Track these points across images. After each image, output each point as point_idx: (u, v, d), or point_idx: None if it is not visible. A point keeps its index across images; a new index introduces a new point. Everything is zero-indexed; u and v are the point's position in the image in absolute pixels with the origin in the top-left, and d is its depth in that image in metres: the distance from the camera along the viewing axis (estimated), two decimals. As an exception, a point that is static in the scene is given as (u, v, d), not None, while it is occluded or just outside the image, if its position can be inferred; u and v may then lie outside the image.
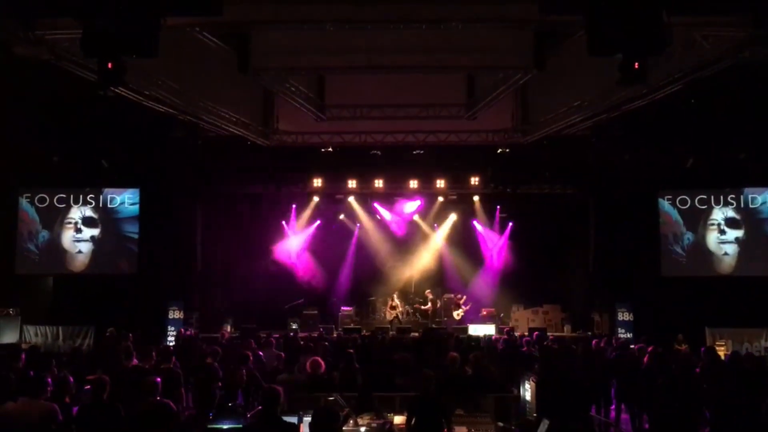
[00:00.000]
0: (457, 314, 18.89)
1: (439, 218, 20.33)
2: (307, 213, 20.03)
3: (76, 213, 18.18)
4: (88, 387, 7.60)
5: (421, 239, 20.40)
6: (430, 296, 19.53)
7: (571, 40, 11.59)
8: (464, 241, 20.22)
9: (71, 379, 7.04)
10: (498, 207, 19.83)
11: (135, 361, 9.13)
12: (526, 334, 16.17)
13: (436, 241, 20.35)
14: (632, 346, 12.57)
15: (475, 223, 20.22)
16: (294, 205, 19.95)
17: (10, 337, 15.98)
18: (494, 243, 20.04)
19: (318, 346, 11.10)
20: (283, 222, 20.02)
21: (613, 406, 10.74)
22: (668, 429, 7.70)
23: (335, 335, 15.87)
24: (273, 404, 5.50)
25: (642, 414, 9.60)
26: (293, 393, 7.85)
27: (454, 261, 20.10)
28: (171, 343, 15.99)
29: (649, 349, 10.48)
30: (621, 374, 10.25)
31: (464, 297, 19.12)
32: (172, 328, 17.36)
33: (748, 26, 9.64)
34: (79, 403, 6.85)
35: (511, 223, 19.74)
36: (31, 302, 17.49)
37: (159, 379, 6.82)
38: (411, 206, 20.07)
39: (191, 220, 19.00)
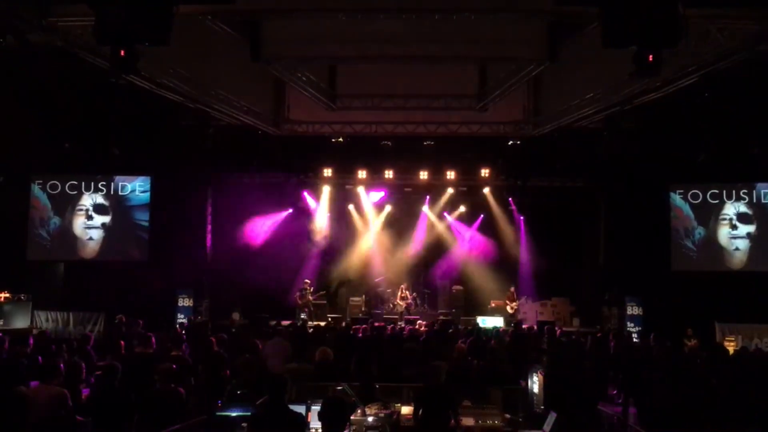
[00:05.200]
0: (511, 308, 18.46)
1: (449, 209, 20.29)
2: (317, 203, 20.05)
3: (88, 200, 18.28)
4: (99, 373, 7.67)
5: (431, 230, 20.37)
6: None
7: (585, 31, 11.51)
8: (474, 232, 20.16)
9: (83, 365, 7.09)
10: (510, 199, 19.75)
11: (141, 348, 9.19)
12: (534, 327, 16.21)
13: (446, 232, 20.32)
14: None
15: (484, 215, 20.17)
16: (304, 195, 19.96)
17: (22, 323, 16.12)
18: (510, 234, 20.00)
19: (326, 336, 11.14)
20: (293, 211, 20.05)
21: (620, 400, 10.74)
22: (673, 423, 7.70)
23: (344, 325, 15.90)
24: (280, 392, 5.51)
25: (649, 408, 9.58)
26: (301, 382, 7.88)
27: (464, 252, 20.06)
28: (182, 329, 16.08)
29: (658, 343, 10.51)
30: (628, 368, 10.23)
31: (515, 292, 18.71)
32: (182, 316, 17.49)
33: (764, 19, 9.54)
34: (90, 389, 6.91)
35: (522, 218, 19.70)
36: (43, 288, 17.62)
37: (174, 366, 6.88)
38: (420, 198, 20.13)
39: (201, 208, 19.08)
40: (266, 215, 19.68)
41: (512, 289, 18.71)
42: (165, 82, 13.09)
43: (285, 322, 15.23)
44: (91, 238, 18.25)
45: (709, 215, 17.84)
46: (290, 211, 20.05)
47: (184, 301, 17.81)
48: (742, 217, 17.64)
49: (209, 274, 18.96)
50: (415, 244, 20.28)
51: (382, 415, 7.04)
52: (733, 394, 7.99)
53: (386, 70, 15.90)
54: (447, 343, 11.15)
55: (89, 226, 18.25)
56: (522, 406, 8.16)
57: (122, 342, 10.06)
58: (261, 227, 19.54)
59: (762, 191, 17.58)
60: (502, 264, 19.63)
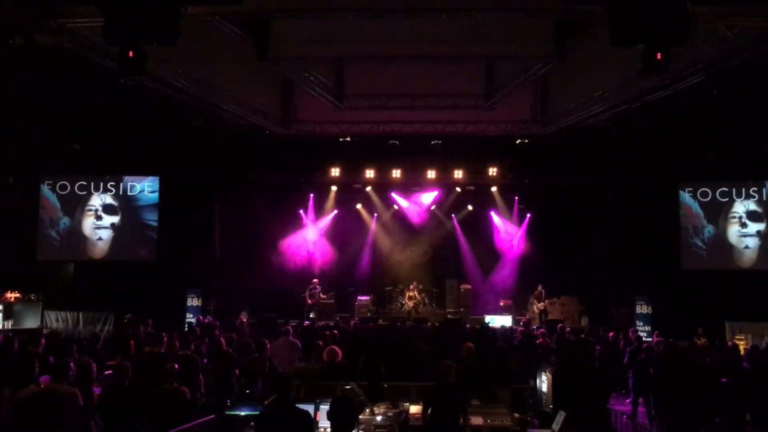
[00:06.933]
0: (538, 307, 18.02)
1: (457, 208, 20.27)
2: (325, 202, 20.08)
3: (97, 200, 18.34)
4: (109, 372, 7.70)
5: (438, 229, 20.36)
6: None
7: (593, 29, 11.50)
8: (482, 231, 20.15)
9: (93, 365, 7.12)
10: (516, 198, 19.73)
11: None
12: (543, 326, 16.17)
13: (454, 231, 20.30)
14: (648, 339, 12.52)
15: (493, 213, 20.11)
16: (312, 195, 20.02)
17: (32, 323, 16.21)
18: (512, 234, 19.93)
19: (331, 335, 11.14)
20: (301, 211, 20.09)
21: (629, 399, 10.73)
22: (683, 422, 7.68)
23: (352, 324, 15.92)
24: (286, 391, 5.51)
25: (657, 406, 9.55)
26: (310, 381, 7.89)
27: (471, 251, 20.04)
28: (190, 329, 16.14)
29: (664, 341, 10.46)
30: (637, 367, 10.20)
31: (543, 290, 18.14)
32: (191, 315, 17.53)
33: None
34: (101, 388, 6.94)
35: (529, 215, 19.66)
36: (53, 288, 17.71)
37: (177, 365, 6.90)
38: (428, 197, 20.08)
39: (210, 208, 19.14)
40: (274, 215, 19.70)
41: (540, 287, 18.21)
42: (173, 82, 13.14)
43: (293, 322, 15.25)
44: (100, 239, 18.31)
45: (718, 213, 17.73)
46: (298, 210, 20.07)
47: (193, 301, 17.86)
48: (752, 215, 17.53)
49: (217, 273, 19.00)
50: (423, 243, 20.27)
51: (390, 414, 7.03)
52: (744, 392, 7.96)
53: (393, 70, 15.92)
54: (456, 342, 11.13)
55: (98, 226, 18.31)
56: (531, 405, 8.16)
57: (132, 341, 10.10)
58: (269, 227, 19.56)
59: (771, 189, 17.47)
60: (510, 263, 19.59)
